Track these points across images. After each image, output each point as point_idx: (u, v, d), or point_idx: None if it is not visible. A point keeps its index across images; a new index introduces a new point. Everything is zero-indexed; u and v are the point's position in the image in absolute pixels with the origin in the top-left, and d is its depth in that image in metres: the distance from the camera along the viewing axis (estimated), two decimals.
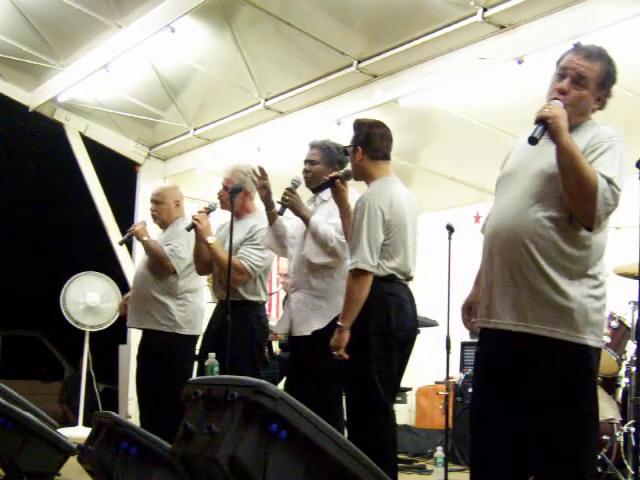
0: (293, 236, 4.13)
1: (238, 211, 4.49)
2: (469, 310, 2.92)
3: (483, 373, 2.76)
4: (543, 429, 2.56)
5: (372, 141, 3.69)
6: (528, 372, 2.57)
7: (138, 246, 7.56)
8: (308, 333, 3.94)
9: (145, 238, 4.90)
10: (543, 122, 2.51)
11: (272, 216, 4.18)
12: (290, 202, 3.95)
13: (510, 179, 2.72)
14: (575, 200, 2.49)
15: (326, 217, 3.99)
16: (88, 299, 7.53)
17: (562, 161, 2.48)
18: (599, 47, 2.71)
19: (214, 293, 4.69)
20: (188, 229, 4.50)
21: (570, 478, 2.53)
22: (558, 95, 2.62)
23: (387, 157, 3.75)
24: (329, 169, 4.03)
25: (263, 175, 4.13)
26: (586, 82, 2.62)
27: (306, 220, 3.95)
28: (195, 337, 4.98)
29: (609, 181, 2.48)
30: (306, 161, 4.17)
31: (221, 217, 4.81)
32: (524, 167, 2.69)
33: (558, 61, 2.72)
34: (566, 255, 2.55)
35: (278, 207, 4.07)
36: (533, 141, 2.52)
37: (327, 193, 4.05)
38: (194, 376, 4.77)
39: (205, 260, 4.60)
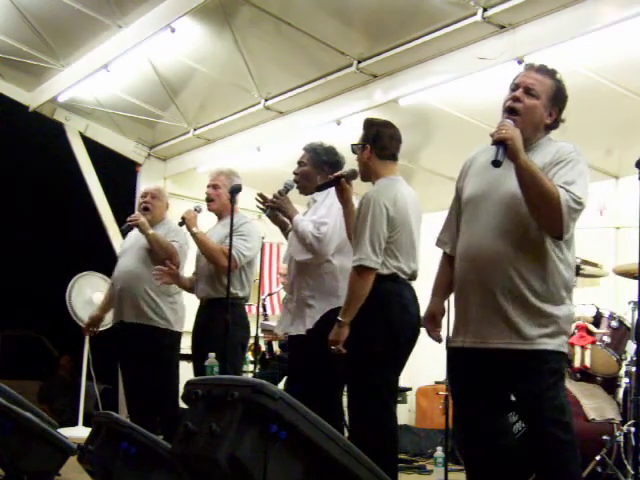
0: (292, 237, 4.15)
1: (222, 211, 4.73)
2: (433, 320, 3.01)
3: (464, 388, 2.86)
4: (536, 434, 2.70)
5: (381, 140, 3.69)
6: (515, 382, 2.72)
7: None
8: (302, 332, 3.96)
9: (150, 231, 4.89)
10: (501, 143, 2.63)
11: (287, 235, 4.23)
12: (277, 204, 4.00)
13: (479, 202, 2.80)
14: (541, 213, 2.64)
15: (310, 216, 4.02)
16: (95, 299, 7.49)
17: (523, 178, 2.61)
18: (551, 67, 2.88)
19: (197, 292, 4.72)
20: (180, 224, 4.68)
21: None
22: (513, 104, 2.77)
23: (395, 158, 3.75)
24: (316, 170, 4.08)
25: (264, 200, 4.13)
26: (537, 93, 2.78)
27: (291, 220, 4.00)
28: (181, 334, 5.03)
29: (567, 189, 2.62)
30: (297, 163, 4.22)
31: (208, 221, 4.89)
32: (492, 190, 2.78)
33: (512, 81, 2.88)
34: (545, 277, 2.70)
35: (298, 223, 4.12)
36: (497, 164, 2.63)
37: (320, 195, 4.08)
38: (188, 376, 4.80)
39: (185, 287, 4.86)
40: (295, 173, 4.18)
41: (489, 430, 2.80)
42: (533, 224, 2.69)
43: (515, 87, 2.82)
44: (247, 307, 4.84)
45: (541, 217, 2.65)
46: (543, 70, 2.85)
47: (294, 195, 4.16)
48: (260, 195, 4.18)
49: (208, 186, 4.81)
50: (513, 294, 2.69)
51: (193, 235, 4.59)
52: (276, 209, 4.04)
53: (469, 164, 2.97)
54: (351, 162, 3.99)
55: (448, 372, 2.93)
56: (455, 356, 2.88)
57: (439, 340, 3.04)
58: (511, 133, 2.64)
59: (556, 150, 2.77)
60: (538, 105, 2.79)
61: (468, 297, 2.79)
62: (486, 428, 2.80)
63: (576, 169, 2.70)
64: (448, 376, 2.94)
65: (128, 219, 5.06)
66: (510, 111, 2.77)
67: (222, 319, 4.24)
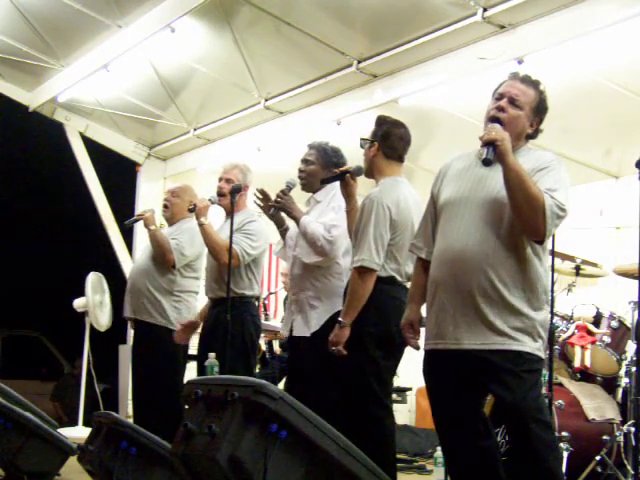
0: (291, 237, 4.14)
1: (229, 208, 4.61)
2: (411, 328, 2.98)
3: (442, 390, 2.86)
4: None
5: (389, 140, 3.68)
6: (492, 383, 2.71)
7: (138, 244, 7.61)
8: (307, 334, 3.95)
9: (152, 227, 4.92)
10: (491, 144, 2.64)
11: (283, 232, 4.23)
12: (281, 204, 3.99)
13: (458, 205, 2.80)
14: (525, 216, 2.64)
15: (317, 217, 4.01)
16: (106, 300, 7.45)
17: (510, 180, 2.62)
18: (535, 78, 2.92)
19: (207, 291, 4.72)
20: (190, 210, 4.62)
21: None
22: (497, 113, 2.79)
23: (401, 159, 3.75)
24: (324, 170, 4.07)
25: (265, 197, 4.13)
26: (521, 103, 2.81)
27: (297, 221, 3.98)
28: None
29: (551, 195, 2.63)
30: (302, 160, 4.19)
31: (218, 216, 4.85)
32: (472, 193, 2.79)
33: (496, 90, 2.89)
34: (525, 280, 2.71)
35: (289, 222, 4.13)
36: (488, 162, 2.65)
37: (321, 194, 4.10)
38: (191, 375, 4.79)
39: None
40: (301, 170, 4.16)
41: (469, 432, 2.79)
42: (514, 227, 2.70)
43: (499, 96, 2.84)
44: None
45: (524, 220, 2.65)
46: (527, 81, 2.87)
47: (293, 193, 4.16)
48: (261, 192, 4.16)
49: (220, 179, 4.70)
50: (492, 296, 2.68)
51: (200, 225, 4.53)
52: (280, 209, 4.03)
53: (445, 170, 2.98)
54: (352, 161, 4.00)
55: (424, 375, 2.91)
56: (431, 359, 2.86)
57: (417, 347, 3.01)
58: (501, 134, 2.67)
59: (536, 158, 2.79)
60: (522, 116, 2.81)
61: (445, 299, 2.77)
62: (466, 430, 2.79)
63: (558, 177, 2.72)
64: (425, 379, 2.92)
65: (137, 214, 5.12)
66: (494, 121, 2.78)
67: (232, 320, 4.24)
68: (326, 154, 4.11)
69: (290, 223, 4.19)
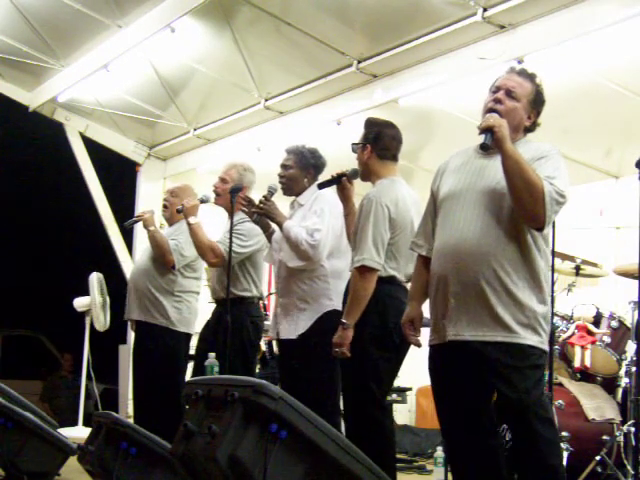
0: (277, 241, 4.15)
1: (227, 207, 4.62)
2: (411, 325, 2.99)
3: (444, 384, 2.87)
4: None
5: (382, 141, 3.68)
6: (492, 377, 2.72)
7: (138, 244, 7.61)
8: (294, 337, 3.96)
9: (152, 228, 4.93)
10: (489, 131, 2.68)
11: (269, 236, 4.25)
12: (265, 209, 4.02)
13: (458, 198, 2.82)
14: (524, 203, 2.64)
15: (299, 221, 4.04)
16: (107, 299, 7.42)
17: (508, 166, 2.64)
18: (531, 72, 2.96)
19: (211, 293, 4.73)
20: (178, 212, 4.65)
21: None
22: (494, 105, 2.82)
23: (395, 158, 3.75)
24: (303, 173, 4.15)
25: (250, 203, 4.16)
26: (518, 95, 2.84)
27: (280, 225, 4.01)
28: (188, 335, 5.01)
29: (550, 182, 2.65)
30: (281, 166, 4.23)
31: (219, 216, 4.84)
32: (471, 185, 2.81)
33: (493, 84, 2.93)
34: (527, 270, 2.72)
35: (274, 225, 4.16)
36: (485, 147, 2.70)
37: (304, 197, 4.14)
38: (189, 375, 4.80)
39: None
40: (281, 176, 4.21)
41: (474, 430, 2.78)
42: (514, 217, 2.70)
43: (496, 89, 2.87)
44: None
45: (524, 207, 2.65)
46: (524, 74, 2.90)
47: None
48: (244, 198, 4.19)
49: (219, 178, 4.73)
50: (496, 286, 2.68)
51: (189, 225, 4.55)
52: (263, 214, 4.05)
53: (444, 167, 3.01)
54: (352, 162, 4.00)
55: (430, 371, 2.91)
56: (436, 354, 2.86)
57: (419, 345, 3.02)
58: (498, 121, 2.69)
59: (535, 148, 2.81)
60: (519, 107, 2.84)
61: (447, 292, 2.76)
62: (471, 428, 2.78)
63: (557, 165, 2.74)
64: (430, 375, 2.92)
65: (136, 214, 5.12)
66: (491, 112, 2.80)
67: (233, 321, 4.24)
68: (304, 157, 4.17)
69: (275, 227, 4.21)
